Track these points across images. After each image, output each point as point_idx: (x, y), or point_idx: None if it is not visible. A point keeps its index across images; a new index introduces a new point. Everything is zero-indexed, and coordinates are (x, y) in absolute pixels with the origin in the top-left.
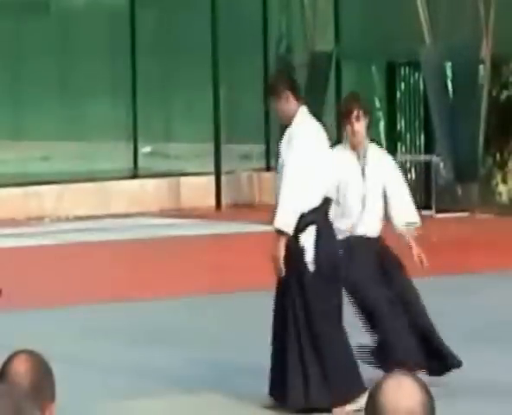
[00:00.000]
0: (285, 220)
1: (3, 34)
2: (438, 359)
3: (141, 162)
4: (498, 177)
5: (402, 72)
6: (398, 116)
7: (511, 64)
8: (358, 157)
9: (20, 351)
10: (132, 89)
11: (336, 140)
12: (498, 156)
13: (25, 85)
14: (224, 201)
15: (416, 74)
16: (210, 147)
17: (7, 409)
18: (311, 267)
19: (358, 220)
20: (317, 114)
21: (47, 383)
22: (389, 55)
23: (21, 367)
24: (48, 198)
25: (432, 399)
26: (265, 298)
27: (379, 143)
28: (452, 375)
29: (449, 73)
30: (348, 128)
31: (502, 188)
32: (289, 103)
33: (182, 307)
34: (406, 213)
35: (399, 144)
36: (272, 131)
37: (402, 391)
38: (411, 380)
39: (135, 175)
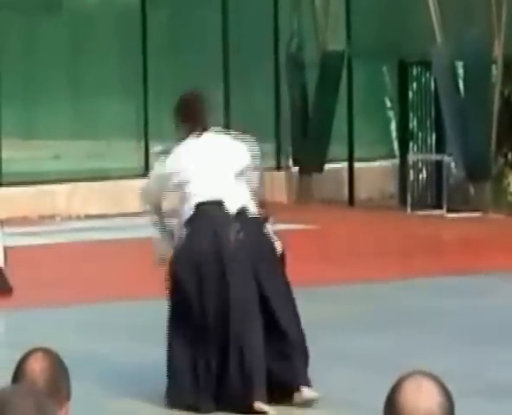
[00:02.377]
0: None
1: (15, 33)
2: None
3: (152, 161)
4: (510, 177)
5: (414, 71)
6: (410, 115)
7: None
8: None
9: (36, 349)
10: (143, 88)
11: (348, 134)
12: (510, 155)
13: (36, 84)
14: None
15: (428, 74)
16: None
17: (30, 407)
18: None
19: None
20: (329, 113)
21: (63, 381)
22: (401, 54)
23: (37, 365)
24: (59, 197)
25: (451, 400)
26: None
27: (390, 143)
28: (466, 376)
29: (460, 72)
30: None
31: None
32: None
33: None
34: None
35: (410, 144)
36: (282, 130)
37: (422, 392)
38: (430, 382)
39: (146, 173)
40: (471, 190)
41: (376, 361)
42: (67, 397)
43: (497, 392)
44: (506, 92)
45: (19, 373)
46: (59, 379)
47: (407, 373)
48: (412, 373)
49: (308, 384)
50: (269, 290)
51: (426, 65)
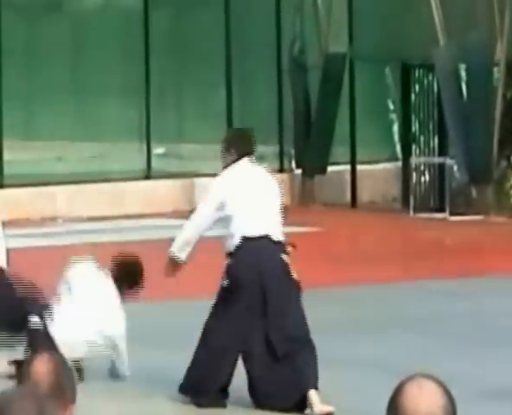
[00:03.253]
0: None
1: (16, 34)
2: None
3: (154, 163)
4: None
5: (417, 73)
6: (412, 118)
7: None
8: None
9: (41, 352)
10: (146, 90)
11: (351, 136)
12: None
13: (38, 85)
14: None
15: (430, 76)
16: None
17: (31, 409)
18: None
19: None
20: (331, 116)
21: (67, 384)
22: (403, 57)
23: (43, 368)
24: (61, 198)
25: (453, 403)
26: None
27: (392, 145)
28: (468, 379)
29: (463, 75)
30: None
31: None
32: (230, 156)
33: (195, 308)
34: None
35: (413, 146)
36: (285, 133)
37: (423, 394)
38: (432, 384)
39: (148, 175)
40: (474, 193)
41: (377, 364)
42: (72, 399)
43: (498, 394)
44: (508, 94)
45: (24, 375)
46: (63, 381)
47: (409, 376)
48: (414, 375)
49: None
50: None
51: (429, 68)
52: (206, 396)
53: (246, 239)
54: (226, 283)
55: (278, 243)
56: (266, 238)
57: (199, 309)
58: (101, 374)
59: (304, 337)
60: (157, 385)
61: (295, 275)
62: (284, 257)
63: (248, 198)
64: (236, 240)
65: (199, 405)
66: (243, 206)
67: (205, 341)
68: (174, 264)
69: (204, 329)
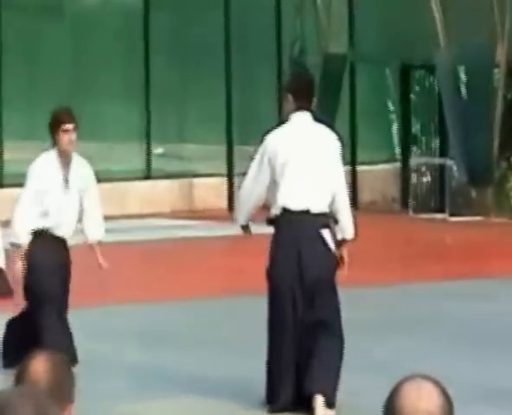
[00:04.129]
0: None
1: (18, 35)
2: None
3: (154, 164)
4: None
5: (417, 75)
6: (412, 119)
7: None
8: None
9: (40, 351)
10: (146, 90)
11: (351, 137)
12: None
13: (39, 86)
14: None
15: (431, 78)
16: (223, 148)
17: (30, 408)
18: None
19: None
20: (331, 116)
21: (66, 383)
22: (404, 58)
23: (40, 367)
24: None
25: (451, 403)
26: None
27: (392, 146)
28: (467, 381)
29: (463, 76)
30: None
31: None
32: (288, 104)
33: (194, 309)
34: (94, 229)
35: (413, 147)
36: None
37: (421, 394)
38: (430, 384)
39: (148, 176)
40: (474, 194)
41: (376, 365)
42: (71, 399)
43: (497, 397)
44: (509, 96)
45: (22, 374)
46: (62, 381)
47: (407, 376)
48: (411, 375)
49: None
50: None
51: (429, 69)
52: (279, 402)
53: (286, 212)
54: (268, 265)
55: (320, 216)
56: (307, 212)
57: (198, 308)
58: (100, 374)
59: (331, 325)
60: (158, 385)
61: (334, 251)
62: (323, 232)
63: (296, 163)
64: (277, 210)
65: (274, 411)
66: (289, 172)
67: (271, 346)
68: (245, 229)
69: (268, 331)
